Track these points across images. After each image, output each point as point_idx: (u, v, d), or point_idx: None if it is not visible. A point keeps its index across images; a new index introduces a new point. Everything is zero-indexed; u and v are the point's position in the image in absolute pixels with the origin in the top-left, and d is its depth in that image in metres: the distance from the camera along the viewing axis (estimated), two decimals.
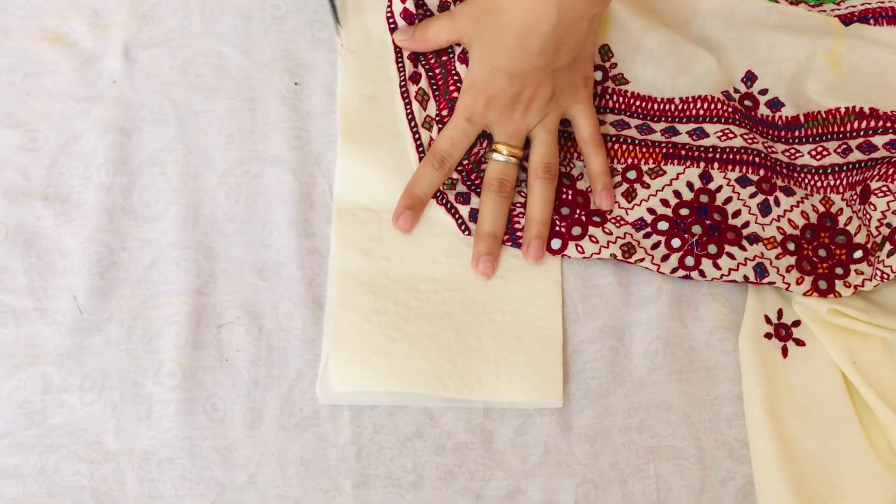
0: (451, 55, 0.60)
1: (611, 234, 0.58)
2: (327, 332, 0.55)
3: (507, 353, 0.55)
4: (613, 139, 0.61)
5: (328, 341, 0.54)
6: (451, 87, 0.59)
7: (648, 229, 0.58)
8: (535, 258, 0.57)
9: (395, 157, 0.59)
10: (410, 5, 0.59)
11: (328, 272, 0.56)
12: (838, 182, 0.60)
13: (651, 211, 0.59)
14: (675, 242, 0.58)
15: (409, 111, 0.60)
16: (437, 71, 0.61)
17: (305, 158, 0.59)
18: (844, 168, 0.60)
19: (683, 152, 0.60)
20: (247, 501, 0.52)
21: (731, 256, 0.57)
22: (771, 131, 0.62)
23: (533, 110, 0.57)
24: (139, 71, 0.60)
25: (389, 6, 0.60)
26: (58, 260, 0.55)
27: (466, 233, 0.58)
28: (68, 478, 0.51)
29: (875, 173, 0.58)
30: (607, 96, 0.62)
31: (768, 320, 0.57)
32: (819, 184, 0.60)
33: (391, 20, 0.60)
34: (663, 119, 0.62)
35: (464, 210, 0.58)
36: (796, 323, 0.58)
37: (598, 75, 0.62)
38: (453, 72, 0.59)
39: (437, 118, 0.59)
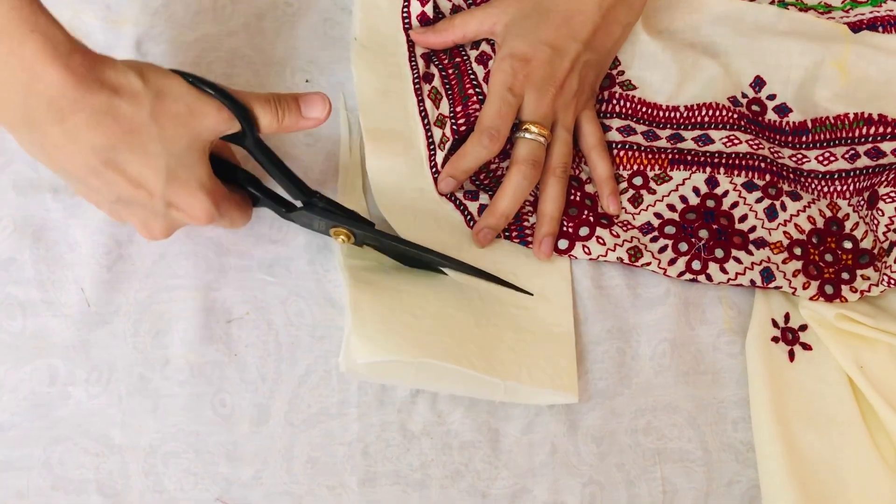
0: (466, 57, 0.61)
1: (618, 236, 0.58)
2: (348, 305, 0.52)
3: (524, 344, 0.54)
4: (619, 146, 0.61)
5: (350, 313, 0.51)
6: (468, 86, 0.59)
7: (655, 233, 0.58)
8: (545, 255, 0.57)
9: (407, 153, 0.59)
10: (430, 10, 0.59)
11: (338, 265, 0.56)
12: (845, 187, 0.60)
13: (658, 216, 0.59)
14: (683, 246, 0.58)
15: (421, 108, 0.60)
16: (451, 72, 0.61)
17: (315, 156, 0.59)
18: (851, 174, 0.60)
19: (689, 158, 0.60)
20: (252, 497, 0.52)
21: (737, 261, 0.57)
22: (778, 136, 0.62)
23: (563, 97, 0.58)
24: None
25: (406, 6, 0.60)
26: (66, 252, 0.55)
27: None
28: (73, 470, 0.51)
29: (883, 179, 0.58)
30: (614, 101, 0.62)
31: (775, 324, 0.57)
32: (826, 189, 0.61)
33: (406, 20, 0.60)
34: (668, 126, 0.62)
35: (472, 206, 0.58)
36: (803, 327, 0.58)
37: (605, 82, 0.62)
38: (469, 72, 0.60)
39: (451, 115, 0.59)
